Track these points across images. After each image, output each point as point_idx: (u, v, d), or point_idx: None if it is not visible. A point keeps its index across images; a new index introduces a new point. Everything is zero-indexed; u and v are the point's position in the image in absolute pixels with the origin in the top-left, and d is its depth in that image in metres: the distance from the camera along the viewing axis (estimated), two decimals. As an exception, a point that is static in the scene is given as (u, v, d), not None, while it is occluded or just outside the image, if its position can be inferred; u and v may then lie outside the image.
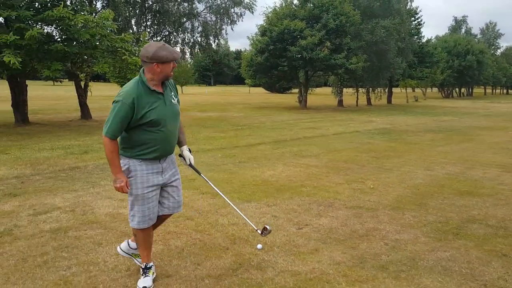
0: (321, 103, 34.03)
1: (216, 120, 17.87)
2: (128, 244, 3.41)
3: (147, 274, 3.22)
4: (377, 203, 5.43)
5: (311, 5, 26.36)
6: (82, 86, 18.47)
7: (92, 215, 4.83)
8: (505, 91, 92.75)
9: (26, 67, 12.32)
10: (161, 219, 3.35)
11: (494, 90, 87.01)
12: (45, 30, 12.58)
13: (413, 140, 11.99)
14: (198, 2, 20.52)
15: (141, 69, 3.02)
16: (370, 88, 34.04)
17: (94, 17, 13.05)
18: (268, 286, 3.19)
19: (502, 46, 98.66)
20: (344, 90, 32.91)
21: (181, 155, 3.44)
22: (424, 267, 3.54)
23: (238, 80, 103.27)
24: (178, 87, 64.14)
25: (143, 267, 3.25)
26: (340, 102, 31.11)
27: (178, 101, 3.25)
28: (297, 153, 9.40)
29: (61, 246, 3.93)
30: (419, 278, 3.34)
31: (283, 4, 27.56)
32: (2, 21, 12.67)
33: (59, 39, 13.40)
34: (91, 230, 4.36)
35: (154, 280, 3.24)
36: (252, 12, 21.69)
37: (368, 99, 34.62)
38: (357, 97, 32.97)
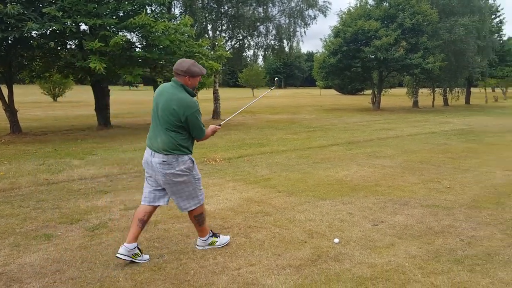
0: (395, 104, 33.17)
1: (288, 122, 18.14)
2: (127, 247, 3.64)
3: (218, 235, 4.07)
4: (453, 202, 5.49)
5: (387, 5, 25.91)
6: (160, 90, 19.29)
7: (177, 210, 5.02)
8: None
9: (109, 72, 12.71)
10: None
11: None
12: (128, 37, 12.98)
13: (492, 141, 11.59)
14: (272, 5, 20.87)
15: (172, 79, 3.66)
16: (447, 88, 32.67)
17: (173, 23, 13.44)
18: (346, 276, 3.37)
19: None
20: (420, 90, 31.87)
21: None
22: (499, 261, 3.63)
23: (308, 82, 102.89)
24: (249, 90, 65.31)
25: (211, 235, 4.01)
26: (415, 103, 30.17)
27: None
28: (371, 154, 9.48)
29: (153, 237, 4.26)
30: (494, 271, 3.45)
31: (358, 5, 27.31)
32: (88, 29, 13.24)
33: (140, 46, 13.92)
34: (178, 223, 4.69)
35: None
36: (325, 15, 21.68)
37: (445, 100, 33.24)
38: (433, 98, 31.78)
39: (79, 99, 38.60)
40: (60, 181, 6.88)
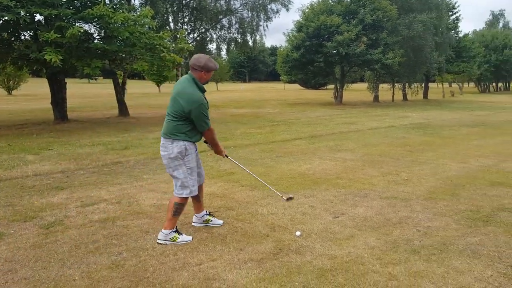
0: (356, 99, 33.82)
1: (252, 116, 18.17)
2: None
3: (181, 232, 4.10)
4: (410, 194, 5.63)
5: (348, 0, 26.32)
6: (120, 83, 18.71)
7: (137, 206, 5.06)
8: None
9: (66, 65, 12.42)
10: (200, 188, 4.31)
11: None
12: (85, 28, 12.68)
13: (448, 135, 12.01)
14: (234, -2, 20.81)
15: (189, 72, 3.90)
16: (406, 83, 33.61)
17: (133, 15, 13.22)
18: (307, 268, 3.40)
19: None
20: (380, 85, 32.64)
21: (206, 142, 4.23)
22: (454, 251, 3.75)
23: (273, 76, 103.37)
24: (213, 84, 65.06)
25: (174, 230, 4.02)
26: (376, 98, 30.89)
27: None
28: (333, 147, 9.61)
29: (111, 234, 4.16)
30: (449, 260, 3.56)
31: (320, 0, 27.61)
32: (43, 20, 12.82)
33: (98, 37, 13.56)
34: (137, 219, 4.60)
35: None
36: (287, 10, 21.79)
37: (404, 94, 34.20)
38: (393, 93, 32.64)
39: (34, 92, 37.28)
40: (13, 177, 6.61)
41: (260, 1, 21.04)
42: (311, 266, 3.45)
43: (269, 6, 21.32)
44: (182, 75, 20.60)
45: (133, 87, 48.78)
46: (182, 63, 15.82)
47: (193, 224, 4.45)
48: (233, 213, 4.85)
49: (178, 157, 3.87)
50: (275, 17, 21.61)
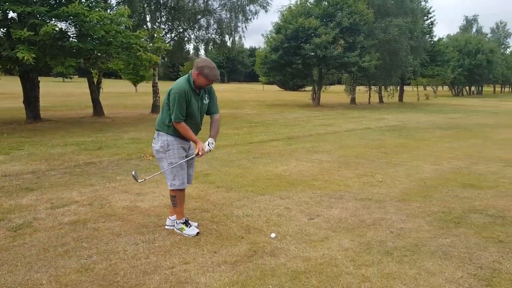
0: (334, 101, 34.12)
1: (230, 117, 18.09)
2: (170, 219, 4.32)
3: (190, 224, 4.23)
4: (384, 195, 5.70)
5: (326, 3, 26.54)
6: (95, 82, 18.39)
7: (109, 208, 4.96)
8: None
9: (39, 63, 12.11)
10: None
11: (503, 89, 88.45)
12: (60, 26, 12.42)
13: (422, 137, 12.23)
14: (213, -1, 20.69)
15: (190, 71, 4.00)
16: (382, 86, 34.10)
17: (109, 13, 12.97)
18: (281, 271, 3.39)
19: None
20: (357, 88, 33.02)
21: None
22: (426, 252, 3.80)
23: (251, 78, 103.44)
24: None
25: (183, 221, 4.21)
26: (353, 100, 31.23)
27: (214, 101, 4.24)
28: (310, 149, 9.65)
29: (81, 237, 4.06)
30: (421, 261, 3.60)
31: (298, 2, 27.75)
32: (16, 17, 12.49)
33: (73, 36, 13.28)
34: (109, 222, 4.49)
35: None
36: (266, 11, 21.80)
37: (380, 97, 34.69)
38: (370, 95, 33.07)
39: (6, 91, 36.31)
40: (-19, 178, 6.40)
41: (239, 2, 20.97)
42: (285, 269, 3.44)
43: (247, 8, 21.26)
44: (159, 74, 20.40)
45: (110, 86, 48.05)
46: (159, 62, 15.65)
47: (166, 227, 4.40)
48: (207, 215, 4.79)
49: (160, 151, 4.07)
50: (254, 19, 21.55)
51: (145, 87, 38.72)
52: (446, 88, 68.01)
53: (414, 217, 4.80)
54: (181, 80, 3.97)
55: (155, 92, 19.70)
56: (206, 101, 4.14)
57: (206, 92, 4.13)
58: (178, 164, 4.07)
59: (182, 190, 4.21)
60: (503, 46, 78.78)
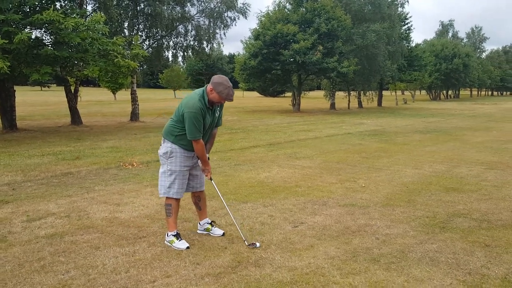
0: (314, 106, 34.31)
1: (210, 124, 17.96)
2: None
3: (180, 238, 4.11)
4: (368, 201, 5.66)
5: (304, 10, 26.70)
6: (72, 90, 18.17)
7: (88, 220, 4.82)
8: (490, 92, 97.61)
9: (14, 71, 11.95)
10: (194, 195, 4.45)
11: (479, 92, 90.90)
12: (35, 34, 12.28)
13: (402, 141, 12.32)
14: (190, 6, 20.56)
15: (205, 86, 4.03)
16: (361, 91, 34.46)
17: (85, 20, 12.83)
18: (266, 282, 3.29)
19: (487, 50, 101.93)
20: (336, 93, 33.29)
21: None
22: (413, 259, 3.75)
23: (231, 84, 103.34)
24: (171, 91, 64.25)
25: (174, 233, 4.11)
26: (333, 105, 31.47)
27: (220, 115, 4.28)
28: (291, 155, 9.60)
29: (58, 251, 3.91)
30: (408, 268, 3.54)
31: (276, 8, 27.87)
32: None
33: (49, 43, 13.13)
34: (87, 234, 4.35)
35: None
36: (246, 17, 21.78)
37: (360, 102, 35.05)
38: (349, 100, 33.37)
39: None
40: (-49, 191, 6.14)
41: (217, 9, 20.90)
42: (271, 279, 3.34)
43: (225, 14, 21.19)
44: (138, 82, 20.16)
45: (88, 95, 47.43)
46: (138, 70, 15.46)
47: (198, 231, 4.48)
48: (189, 225, 4.67)
49: (163, 157, 4.13)
50: (232, 25, 21.50)
51: (124, 94, 38.23)
52: (424, 92, 69.17)
53: (399, 222, 4.76)
54: (194, 98, 3.96)
55: (134, 99, 19.45)
56: (217, 114, 4.20)
57: (218, 106, 4.20)
58: (179, 173, 4.10)
59: (178, 199, 4.18)
60: (478, 50, 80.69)
